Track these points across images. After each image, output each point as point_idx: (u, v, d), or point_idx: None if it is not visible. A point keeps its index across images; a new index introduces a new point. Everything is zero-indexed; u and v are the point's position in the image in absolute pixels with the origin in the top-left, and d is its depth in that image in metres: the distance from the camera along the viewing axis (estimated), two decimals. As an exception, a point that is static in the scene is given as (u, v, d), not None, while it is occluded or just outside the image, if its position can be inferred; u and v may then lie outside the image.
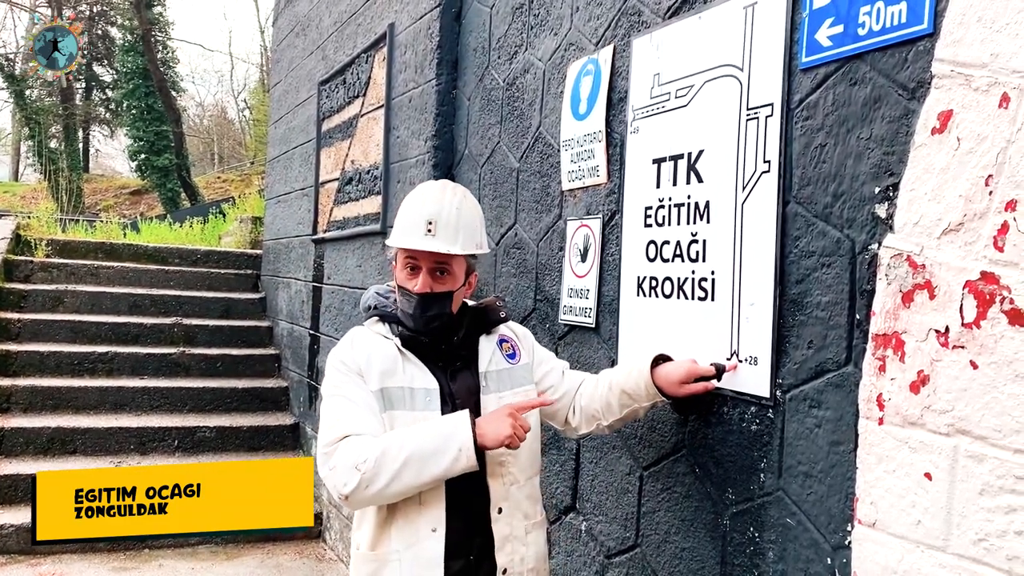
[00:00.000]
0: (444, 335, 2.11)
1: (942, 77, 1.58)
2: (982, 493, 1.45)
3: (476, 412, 2.01)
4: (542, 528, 2.21)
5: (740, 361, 2.08)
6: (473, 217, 2.09)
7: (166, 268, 7.66)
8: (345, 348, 2.09)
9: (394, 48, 4.49)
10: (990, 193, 1.47)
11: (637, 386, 2.13)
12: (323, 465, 1.95)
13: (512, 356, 2.20)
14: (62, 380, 6.10)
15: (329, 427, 1.97)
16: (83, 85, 30.51)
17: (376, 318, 2.15)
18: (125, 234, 10.65)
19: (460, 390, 2.08)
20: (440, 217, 2.02)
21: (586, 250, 2.82)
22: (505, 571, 2.06)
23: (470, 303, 2.23)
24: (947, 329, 1.53)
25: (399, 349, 2.06)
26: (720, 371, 2.10)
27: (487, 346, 2.17)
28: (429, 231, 2.01)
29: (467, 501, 2.02)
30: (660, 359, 2.17)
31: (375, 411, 1.99)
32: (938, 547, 1.53)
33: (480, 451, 1.88)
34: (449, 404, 2.03)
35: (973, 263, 1.49)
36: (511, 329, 2.28)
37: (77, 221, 12.29)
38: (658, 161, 2.43)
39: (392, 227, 2.12)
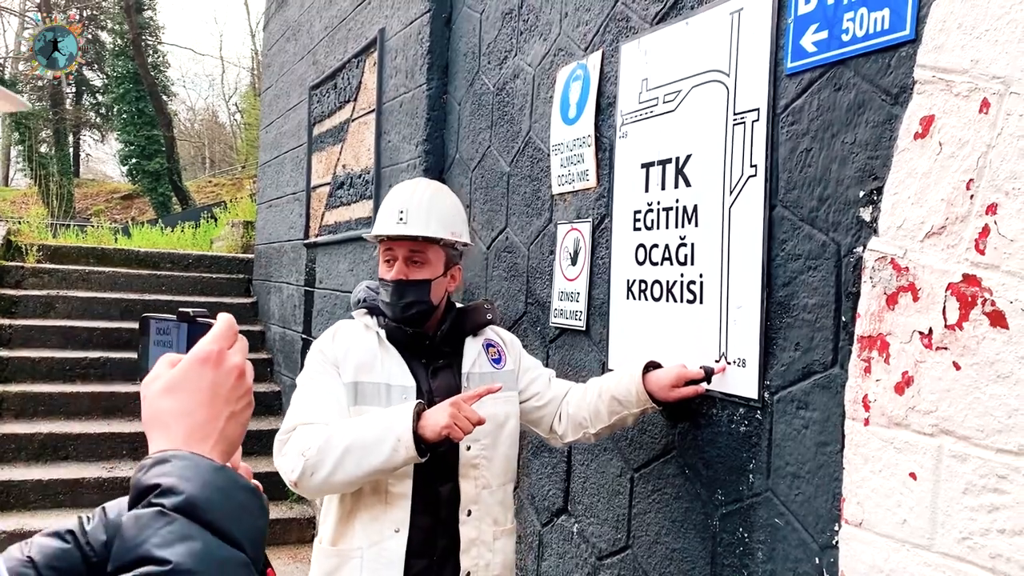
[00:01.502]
0: (426, 327, 2.12)
1: (924, 83, 1.61)
2: (965, 492, 1.48)
3: None
4: (511, 536, 2.20)
5: (728, 363, 2.10)
6: (445, 206, 2.13)
7: (158, 273, 7.65)
8: (326, 339, 2.11)
9: (385, 53, 4.50)
10: (971, 197, 1.49)
11: (628, 392, 2.14)
12: (277, 452, 1.95)
13: (498, 361, 2.21)
14: (54, 386, 6.09)
15: (290, 416, 1.98)
16: (73, 89, 30.45)
17: (364, 310, 2.17)
18: (116, 239, 10.64)
19: (440, 388, 2.07)
20: (411, 205, 2.08)
21: (576, 253, 2.84)
22: (468, 574, 2.05)
23: (459, 305, 2.24)
24: (930, 331, 1.55)
25: (380, 341, 2.07)
26: (709, 374, 2.12)
27: (472, 348, 2.18)
28: (401, 219, 2.07)
29: (436, 501, 2.03)
30: (650, 366, 2.19)
31: (341, 403, 1.99)
32: (923, 546, 1.56)
33: (422, 443, 1.83)
34: (427, 400, 2.02)
35: (955, 266, 1.51)
36: (498, 334, 2.29)
37: (68, 226, 12.28)
38: (647, 165, 2.45)
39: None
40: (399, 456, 1.83)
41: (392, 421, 1.86)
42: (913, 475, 1.58)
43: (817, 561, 1.85)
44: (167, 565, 0.71)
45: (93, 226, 12.25)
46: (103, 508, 1.05)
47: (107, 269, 7.47)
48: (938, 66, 1.58)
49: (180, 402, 0.84)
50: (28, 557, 0.96)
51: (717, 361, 2.14)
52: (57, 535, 1.00)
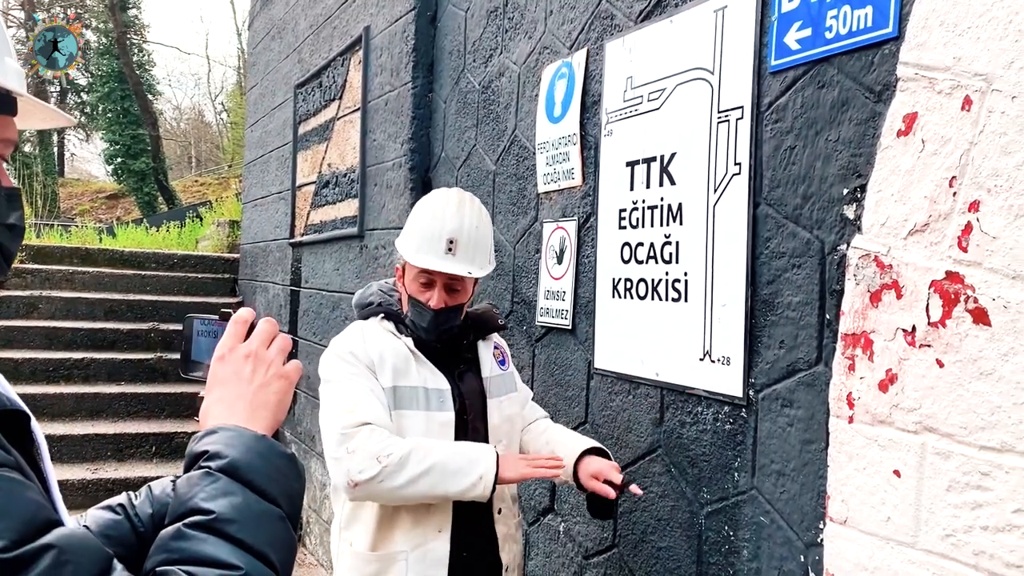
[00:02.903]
0: (453, 341, 2.14)
1: (907, 80, 1.60)
2: (949, 489, 1.48)
3: (483, 415, 2.10)
4: (522, 527, 2.28)
5: (713, 362, 2.10)
6: (488, 234, 2.10)
7: (142, 273, 7.60)
8: (356, 340, 2.05)
9: (370, 51, 4.48)
10: (954, 194, 1.49)
11: (565, 458, 2.14)
12: (339, 445, 1.87)
13: (503, 363, 2.25)
14: (37, 387, 6.04)
15: (347, 410, 1.91)
16: (57, 88, 30.19)
17: (383, 316, 2.13)
18: (101, 239, 10.58)
19: (468, 391, 2.11)
20: (461, 236, 2.01)
21: (562, 252, 2.83)
22: (507, 568, 2.13)
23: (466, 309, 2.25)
24: (914, 328, 1.55)
25: (411, 349, 2.06)
26: (625, 485, 2.02)
27: (486, 352, 2.21)
28: (450, 250, 1.99)
29: (472, 504, 2.04)
30: (596, 451, 2.15)
31: (386, 407, 1.97)
32: (907, 543, 1.56)
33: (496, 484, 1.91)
34: (458, 403, 2.06)
35: (938, 263, 1.51)
36: (499, 338, 2.33)
37: (52, 226, 12.20)
38: (632, 163, 2.44)
39: (404, 234, 2.09)
40: (476, 491, 1.89)
41: (478, 456, 1.92)
42: (897, 472, 1.58)
43: (802, 559, 1.85)
44: (211, 515, 0.86)
45: (77, 226, 12.17)
46: (149, 486, 1.20)
47: (91, 269, 7.42)
48: (921, 63, 1.57)
49: (214, 395, 1.02)
50: (84, 527, 1.09)
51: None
52: (109, 508, 1.15)
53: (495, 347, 2.26)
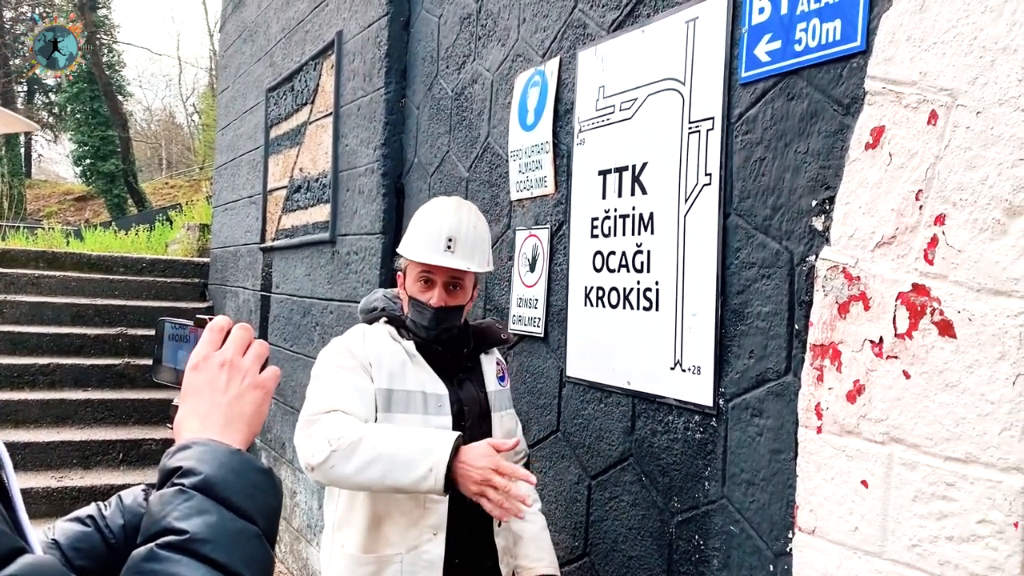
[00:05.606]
0: (455, 345, 2.15)
1: (874, 94, 1.62)
2: (915, 500, 1.49)
3: (481, 424, 2.08)
4: None
5: (683, 371, 2.11)
6: (486, 235, 2.15)
7: (110, 277, 7.49)
8: (355, 339, 2.09)
9: (343, 56, 4.46)
10: (920, 207, 1.51)
11: (520, 557, 2.19)
12: (301, 431, 1.91)
13: (502, 379, 2.26)
14: (1, 393, 5.92)
15: (320, 399, 1.93)
16: (25, 88, 29.74)
17: (385, 320, 2.16)
18: (68, 242, 10.42)
19: (467, 399, 2.11)
20: (460, 234, 2.06)
21: (535, 260, 2.83)
22: None
23: (469, 322, 2.27)
24: (881, 340, 1.56)
25: (409, 354, 2.07)
26: None
27: (489, 366, 2.22)
28: (449, 247, 2.04)
29: (472, 504, 2.03)
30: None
31: (371, 404, 1.97)
32: (874, 553, 1.57)
33: (452, 481, 1.79)
34: (455, 409, 2.06)
35: (905, 275, 1.53)
36: (499, 355, 2.34)
37: (17, 228, 11.98)
38: (604, 172, 2.45)
39: (405, 239, 2.14)
40: (427, 484, 1.79)
41: (431, 446, 1.81)
42: (864, 483, 1.59)
43: (771, 568, 1.85)
44: (185, 535, 0.83)
45: (44, 228, 11.97)
46: (119, 496, 1.17)
47: (57, 273, 7.30)
48: (888, 77, 1.59)
49: (189, 405, 1.00)
50: (53, 540, 1.07)
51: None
52: (78, 520, 1.12)
53: (497, 362, 2.27)
